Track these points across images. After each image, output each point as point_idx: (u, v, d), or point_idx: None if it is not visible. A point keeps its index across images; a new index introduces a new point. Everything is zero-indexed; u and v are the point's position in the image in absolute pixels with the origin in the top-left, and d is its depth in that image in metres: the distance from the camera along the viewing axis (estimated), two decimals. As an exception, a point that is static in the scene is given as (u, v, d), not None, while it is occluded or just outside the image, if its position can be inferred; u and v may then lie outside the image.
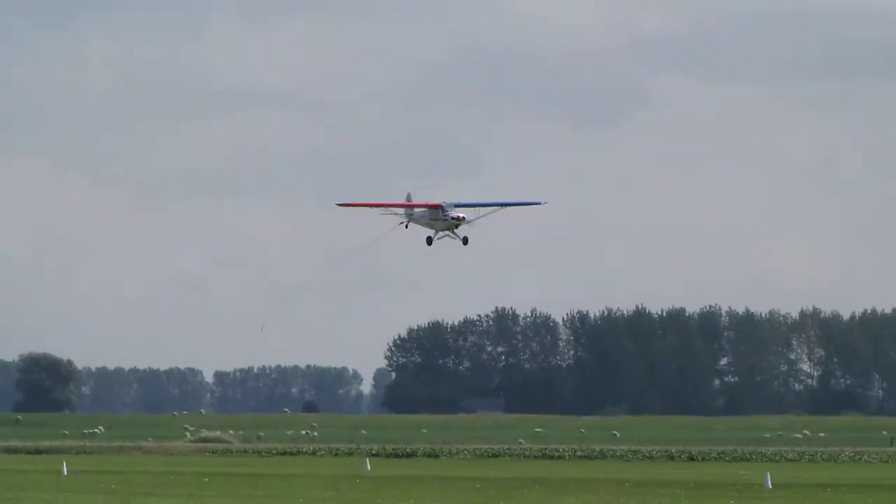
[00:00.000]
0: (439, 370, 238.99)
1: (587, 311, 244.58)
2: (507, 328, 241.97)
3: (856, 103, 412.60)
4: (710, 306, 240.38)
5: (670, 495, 67.94)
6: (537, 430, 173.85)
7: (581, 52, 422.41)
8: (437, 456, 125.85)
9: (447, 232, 68.59)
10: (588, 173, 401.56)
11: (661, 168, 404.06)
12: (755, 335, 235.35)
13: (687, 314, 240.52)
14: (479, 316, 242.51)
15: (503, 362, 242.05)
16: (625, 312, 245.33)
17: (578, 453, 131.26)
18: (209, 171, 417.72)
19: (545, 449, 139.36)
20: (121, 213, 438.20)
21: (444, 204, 68.08)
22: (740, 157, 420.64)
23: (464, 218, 67.87)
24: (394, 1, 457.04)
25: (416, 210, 68.62)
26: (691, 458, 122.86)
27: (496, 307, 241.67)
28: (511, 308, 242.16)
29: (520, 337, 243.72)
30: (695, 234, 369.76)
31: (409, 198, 69.41)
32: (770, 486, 71.18)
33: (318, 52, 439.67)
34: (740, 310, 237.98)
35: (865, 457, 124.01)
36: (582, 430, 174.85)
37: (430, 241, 69.24)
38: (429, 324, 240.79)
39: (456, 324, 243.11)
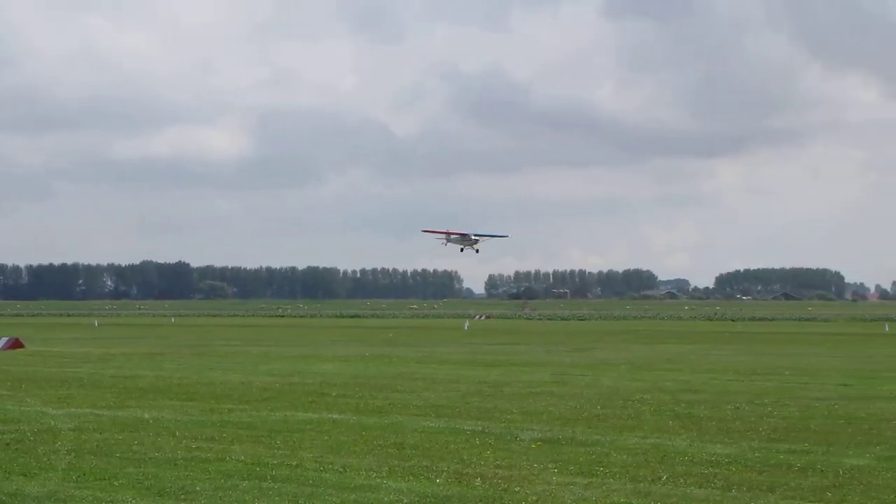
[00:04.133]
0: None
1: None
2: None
3: None
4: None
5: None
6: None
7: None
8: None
9: (469, 246, 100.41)
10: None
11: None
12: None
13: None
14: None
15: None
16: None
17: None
18: None
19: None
20: None
21: (469, 233, 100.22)
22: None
23: (477, 240, 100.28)
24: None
25: (453, 236, 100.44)
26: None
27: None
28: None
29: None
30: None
31: (448, 230, 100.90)
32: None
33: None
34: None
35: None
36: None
37: (462, 250, 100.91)
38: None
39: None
